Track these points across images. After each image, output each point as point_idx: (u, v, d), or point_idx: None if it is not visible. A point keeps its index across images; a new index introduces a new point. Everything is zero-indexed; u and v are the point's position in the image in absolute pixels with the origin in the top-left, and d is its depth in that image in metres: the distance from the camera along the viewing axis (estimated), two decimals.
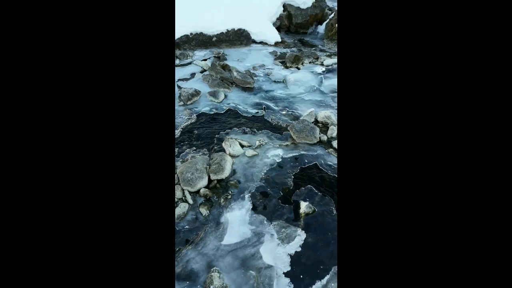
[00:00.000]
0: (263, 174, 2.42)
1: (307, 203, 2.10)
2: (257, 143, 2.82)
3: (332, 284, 1.58)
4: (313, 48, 6.08)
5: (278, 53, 5.40)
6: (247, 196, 2.17)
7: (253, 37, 5.96)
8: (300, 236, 1.86)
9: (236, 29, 5.74)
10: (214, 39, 5.56)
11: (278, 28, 6.97)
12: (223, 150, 2.66)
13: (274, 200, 2.16)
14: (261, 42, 6.07)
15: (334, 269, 1.67)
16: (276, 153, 2.71)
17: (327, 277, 1.62)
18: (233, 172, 2.41)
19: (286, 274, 1.62)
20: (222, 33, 5.63)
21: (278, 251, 1.75)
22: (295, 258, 1.72)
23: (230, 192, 2.19)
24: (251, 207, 2.07)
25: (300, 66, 4.86)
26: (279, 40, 6.20)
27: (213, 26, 5.57)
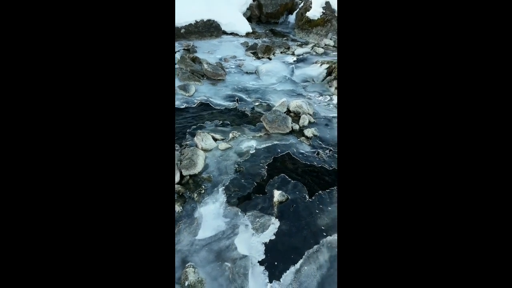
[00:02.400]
0: (236, 166, 2.41)
1: (280, 191, 2.14)
2: (230, 135, 2.80)
3: (305, 267, 1.63)
4: (284, 38, 6.09)
5: (250, 44, 5.35)
6: (220, 189, 2.16)
7: (224, 28, 5.84)
8: (274, 224, 1.89)
9: (205, 20, 5.58)
10: (182, 31, 5.37)
11: (249, 19, 6.88)
12: (195, 145, 2.62)
13: (248, 191, 2.17)
14: (232, 33, 5.97)
15: (307, 253, 1.72)
16: (249, 144, 2.71)
17: (300, 261, 1.67)
18: (206, 166, 2.39)
19: (261, 262, 1.65)
20: (191, 24, 5.45)
21: (252, 241, 1.77)
22: (269, 246, 1.75)
23: (203, 186, 2.17)
24: (225, 200, 2.07)
25: (271, 56, 4.85)
26: (250, 30, 6.13)
27: (181, 18, 5.37)
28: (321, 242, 1.79)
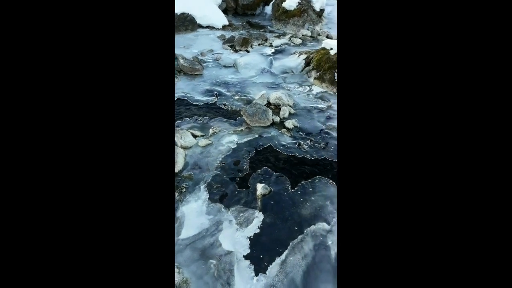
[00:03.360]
0: (218, 162, 2.38)
1: (263, 184, 2.13)
2: (211, 131, 2.75)
3: (291, 258, 1.64)
4: (262, 30, 6.02)
5: (226, 37, 5.24)
6: (202, 186, 2.12)
7: (199, 21, 5.69)
8: (258, 218, 1.88)
9: (179, 13, 5.40)
10: None
11: (225, 11, 6.73)
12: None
13: (231, 187, 2.15)
14: (207, 27, 5.82)
15: (292, 243, 1.73)
16: (230, 139, 2.68)
17: (285, 252, 1.68)
18: (186, 164, 2.33)
19: (246, 257, 1.64)
20: None
21: (237, 236, 1.76)
22: (254, 240, 1.75)
23: (184, 185, 2.12)
24: (208, 197, 2.04)
25: (249, 48, 4.79)
26: (227, 23, 6.01)
27: None
28: (305, 231, 1.81)
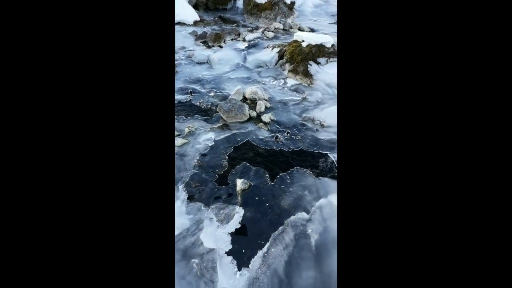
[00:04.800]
0: (196, 161, 2.35)
1: (242, 180, 2.13)
2: (186, 130, 2.70)
3: (272, 249, 1.67)
4: (234, 24, 5.96)
5: (198, 33, 5.13)
6: (181, 186, 2.09)
7: None
8: (239, 213, 1.89)
9: None
10: None
11: (196, 6, 6.58)
12: None
13: (210, 184, 2.13)
14: (178, 23, 5.66)
15: (273, 235, 1.76)
16: (207, 137, 2.65)
17: (267, 244, 1.70)
18: None
19: (228, 253, 1.65)
20: None
21: (218, 233, 1.76)
22: (236, 235, 1.76)
23: None
24: (187, 196, 2.01)
25: (222, 44, 4.73)
26: (198, 19, 5.88)
27: None
28: (285, 222, 1.84)
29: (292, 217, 1.88)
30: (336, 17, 6.80)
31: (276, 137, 2.70)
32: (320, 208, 1.95)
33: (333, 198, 2.03)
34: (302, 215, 1.90)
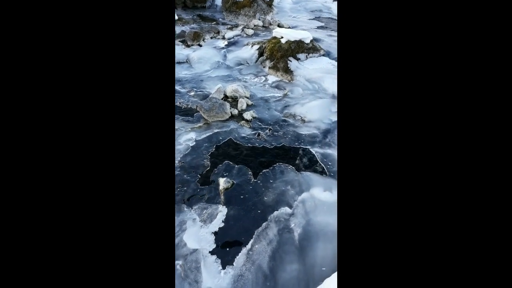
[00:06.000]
0: (177, 162, 2.31)
1: (225, 178, 2.13)
2: None
3: (256, 246, 1.68)
4: (214, 22, 5.89)
5: (177, 32, 5.04)
6: None
7: None
8: (222, 212, 1.89)
9: None
10: None
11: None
12: None
13: (193, 185, 2.11)
14: None
15: (257, 231, 1.77)
16: (188, 137, 2.61)
17: (251, 241, 1.71)
18: None
19: (212, 252, 1.65)
20: None
21: (201, 233, 1.75)
22: (219, 234, 1.75)
23: None
24: None
25: (201, 42, 4.67)
26: (176, 17, 5.76)
27: None
28: (269, 218, 1.86)
29: (276, 213, 1.89)
30: (315, 13, 6.88)
31: (258, 134, 2.71)
32: (303, 202, 1.98)
33: (315, 192, 2.06)
34: (285, 210, 1.92)
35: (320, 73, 3.68)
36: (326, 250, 1.65)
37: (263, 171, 2.26)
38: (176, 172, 2.20)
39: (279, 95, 3.43)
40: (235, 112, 3.01)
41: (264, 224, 1.82)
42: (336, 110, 3.09)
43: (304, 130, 2.78)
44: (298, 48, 3.91)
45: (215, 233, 1.76)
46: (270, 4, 6.11)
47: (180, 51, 4.40)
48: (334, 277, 1.35)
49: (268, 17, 5.82)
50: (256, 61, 4.15)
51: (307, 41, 3.98)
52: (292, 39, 3.92)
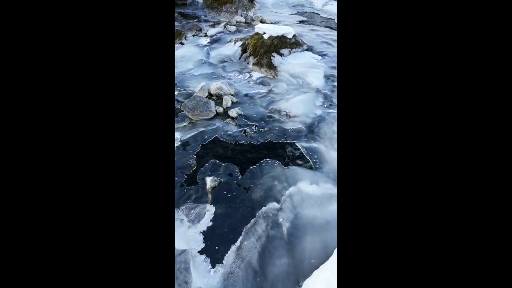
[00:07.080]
0: None
1: (212, 177, 2.11)
2: None
3: (245, 243, 1.68)
4: (195, 20, 5.79)
5: None
6: None
7: None
8: (210, 211, 1.88)
9: None
10: None
11: None
12: None
13: (179, 185, 2.09)
14: None
15: (246, 228, 1.77)
16: None
17: (240, 238, 1.71)
18: None
19: (201, 252, 1.64)
20: None
21: (190, 233, 1.73)
22: (208, 233, 1.74)
23: None
24: None
25: (183, 41, 4.58)
26: None
27: None
28: (257, 214, 1.86)
29: (264, 208, 1.90)
30: (297, 8, 6.89)
31: (245, 131, 2.70)
32: (290, 196, 2.00)
33: (302, 185, 2.08)
34: (273, 205, 1.93)
35: (304, 68, 3.70)
36: (314, 242, 1.67)
37: (250, 167, 2.26)
38: None
39: (264, 91, 3.42)
40: (220, 110, 2.98)
41: (252, 220, 1.82)
42: (320, 104, 3.13)
43: (289, 125, 2.80)
44: (281, 44, 3.90)
45: (204, 233, 1.75)
46: (252, 0, 6.06)
47: None
48: (322, 269, 1.37)
49: (250, 13, 5.78)
50: (240, 57, 4.12)
51: (290, 36, 3.98)
52: (275, 35, 3.92)
